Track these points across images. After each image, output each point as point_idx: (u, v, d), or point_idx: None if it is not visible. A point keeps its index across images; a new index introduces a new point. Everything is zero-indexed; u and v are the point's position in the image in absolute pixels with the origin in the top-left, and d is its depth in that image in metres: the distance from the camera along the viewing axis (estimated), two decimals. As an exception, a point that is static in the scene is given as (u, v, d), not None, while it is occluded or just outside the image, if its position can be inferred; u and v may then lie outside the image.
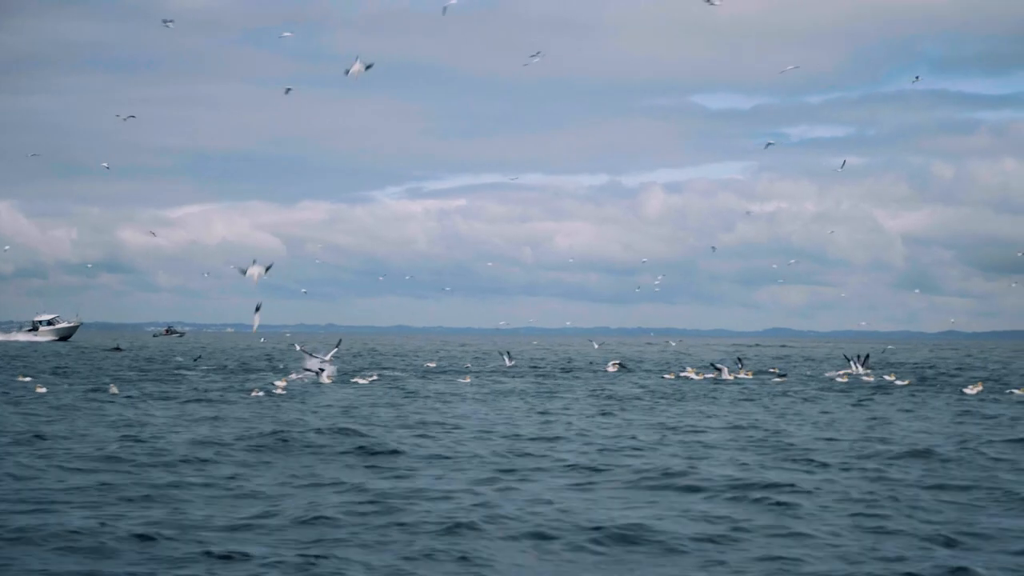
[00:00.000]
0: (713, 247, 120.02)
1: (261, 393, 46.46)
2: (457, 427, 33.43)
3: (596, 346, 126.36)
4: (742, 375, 65.54)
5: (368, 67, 40.96)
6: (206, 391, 48.97)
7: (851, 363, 67.58)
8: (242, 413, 37.49)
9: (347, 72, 41.17)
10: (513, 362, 79.64)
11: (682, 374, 66.86)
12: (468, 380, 59.14)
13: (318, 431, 30.43)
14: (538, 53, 44.72)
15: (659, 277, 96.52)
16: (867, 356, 69.78)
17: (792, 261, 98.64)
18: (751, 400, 46.39)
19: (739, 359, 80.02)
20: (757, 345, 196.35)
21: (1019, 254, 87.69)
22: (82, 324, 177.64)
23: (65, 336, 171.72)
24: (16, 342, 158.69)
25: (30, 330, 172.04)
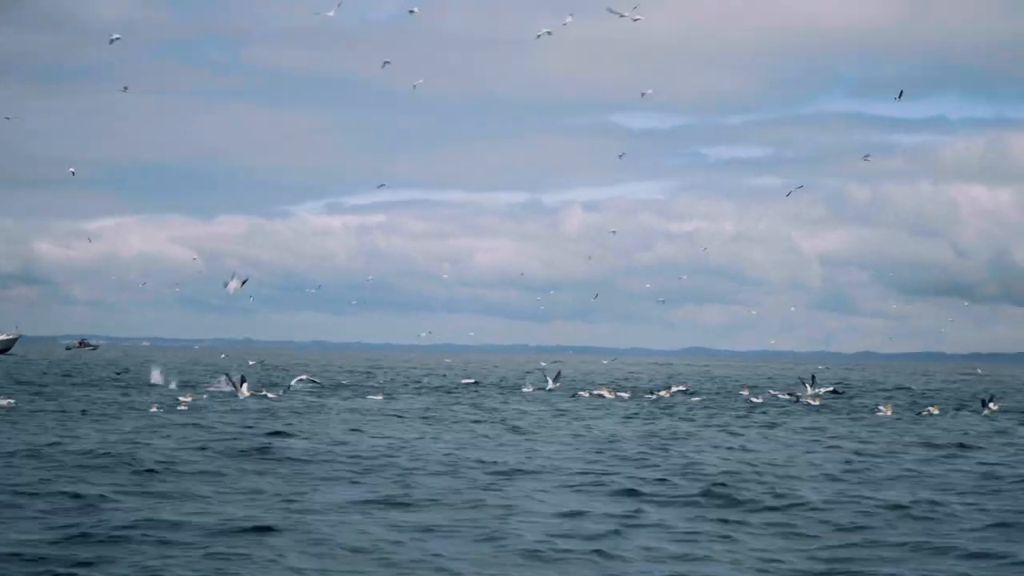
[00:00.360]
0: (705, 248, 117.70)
1: (158, 408, 46.80)
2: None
3: (543, 364, 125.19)
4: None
5: (244, 282, 43.52)
6: (110, 404, 49.20)
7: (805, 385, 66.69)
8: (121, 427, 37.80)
9: (225, 285, 43.68)
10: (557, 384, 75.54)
11: (595, 392, 67.34)
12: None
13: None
14: (385, 63, 45.23)
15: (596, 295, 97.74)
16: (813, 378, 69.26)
17: (683, 277, 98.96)
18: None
19: (812, 377, 71.54)
20: (689, 365, 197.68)
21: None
22: (21, 336, 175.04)
23: (4, 349, 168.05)
24: None
25: None
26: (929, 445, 37.56)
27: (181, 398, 51.71)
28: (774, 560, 18.42)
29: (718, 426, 45.03)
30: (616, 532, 20.37)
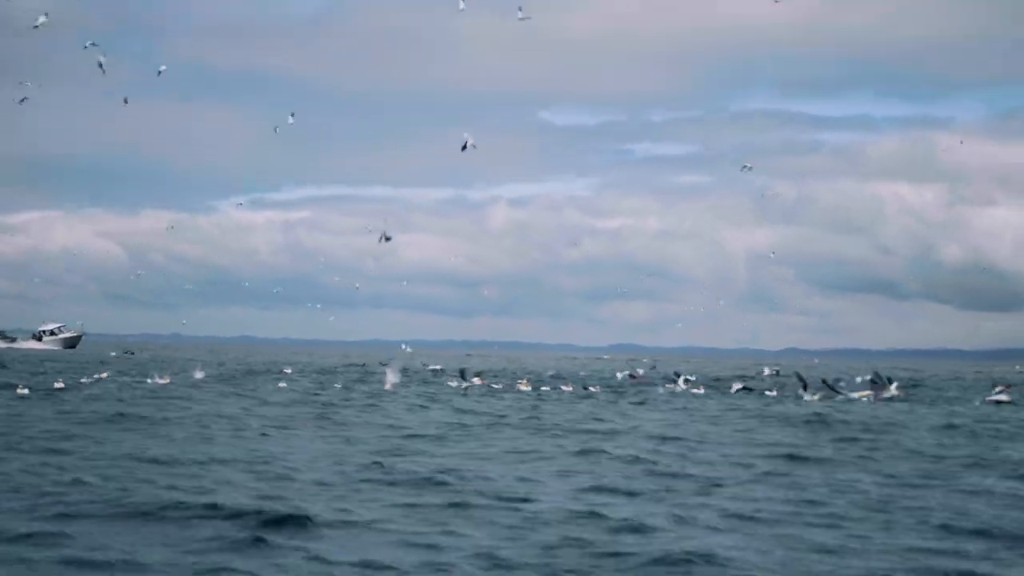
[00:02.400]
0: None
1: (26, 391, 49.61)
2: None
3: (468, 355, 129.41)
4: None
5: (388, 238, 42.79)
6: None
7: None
8: None
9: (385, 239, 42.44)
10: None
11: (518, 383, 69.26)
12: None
13: None
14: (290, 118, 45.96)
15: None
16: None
17: (646, 277, 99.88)
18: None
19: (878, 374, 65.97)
20: (633, 360, 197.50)
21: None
22: (85, 334, 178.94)
23: (71, 345, 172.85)
24: (20, 350, 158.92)
25: (34, 339, 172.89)
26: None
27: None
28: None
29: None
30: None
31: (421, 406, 50.15)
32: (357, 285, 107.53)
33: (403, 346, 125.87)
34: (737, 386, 70.65)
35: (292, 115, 46.08)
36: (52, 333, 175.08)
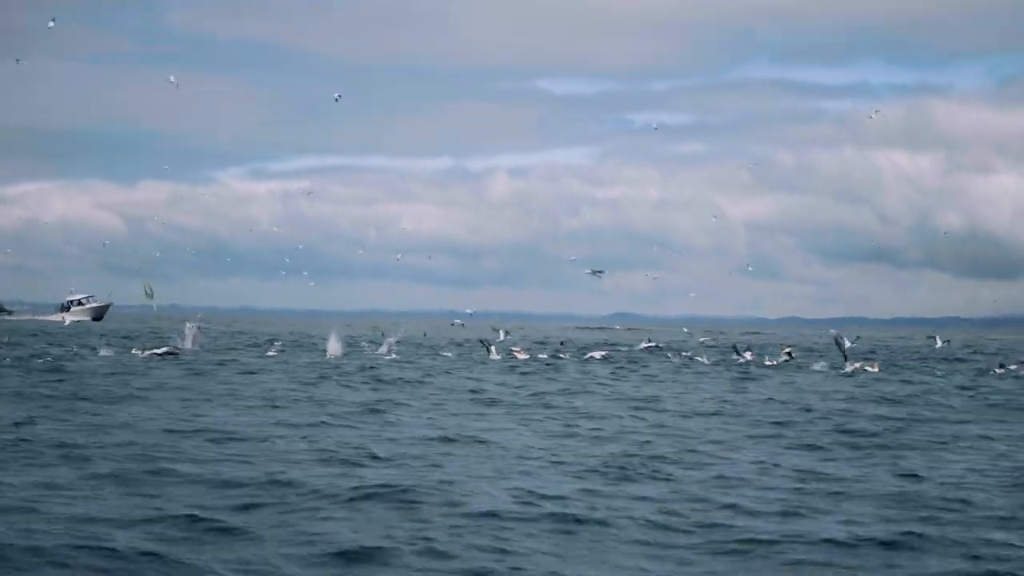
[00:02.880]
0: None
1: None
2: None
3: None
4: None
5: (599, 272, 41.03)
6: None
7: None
8: None
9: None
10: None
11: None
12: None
13: None
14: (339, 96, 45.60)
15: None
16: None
17: (655, 247, 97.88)
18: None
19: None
20: (631, 329, 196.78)
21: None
22: (112, 304, 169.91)
23: (98, 316, 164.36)
24: (47, 321, 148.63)
25: (62, 311, 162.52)
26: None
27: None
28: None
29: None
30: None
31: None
32: (398, 256, 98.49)
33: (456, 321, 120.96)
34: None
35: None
36: (79, 303, 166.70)
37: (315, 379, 44.51)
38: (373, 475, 19.47)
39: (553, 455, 22.82)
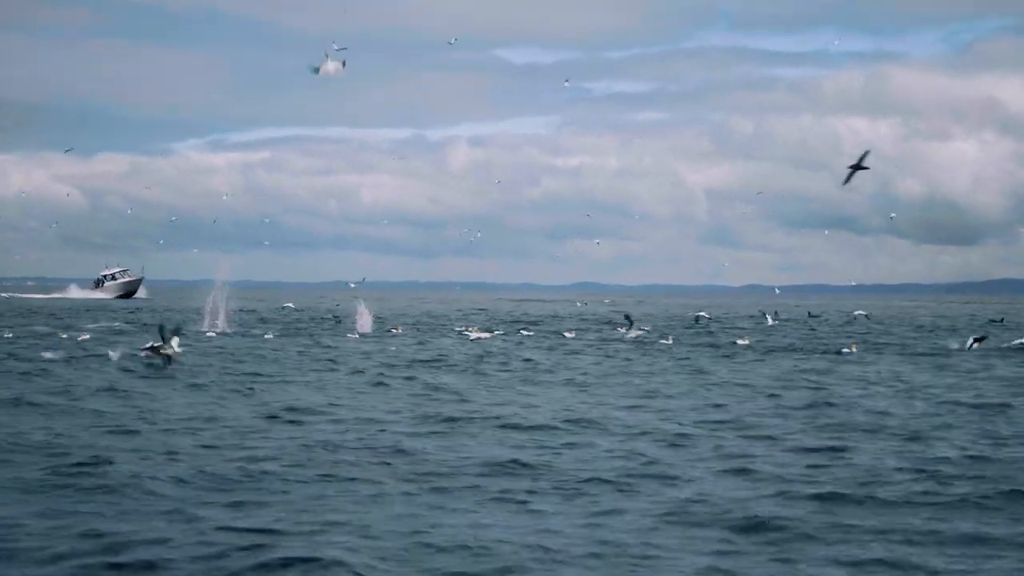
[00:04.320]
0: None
1: None
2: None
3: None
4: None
5: (343, 63, 33.35)
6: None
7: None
8: None
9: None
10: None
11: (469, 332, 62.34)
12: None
13: None
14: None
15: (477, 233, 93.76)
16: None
17: (588, 215, 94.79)
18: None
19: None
20: (608, 301, 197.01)
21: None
22: (143, 279, 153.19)
23: (129, 292, 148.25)
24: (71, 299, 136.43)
25: (96, 286, 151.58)
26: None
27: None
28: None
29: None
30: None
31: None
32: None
33: (350, 284, 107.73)
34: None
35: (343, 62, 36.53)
36: (113, 278, 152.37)
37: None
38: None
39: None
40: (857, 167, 34.94)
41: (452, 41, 74.37)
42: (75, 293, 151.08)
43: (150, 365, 36.74)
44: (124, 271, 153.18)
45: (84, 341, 50.14)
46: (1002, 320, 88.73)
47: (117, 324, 69.22)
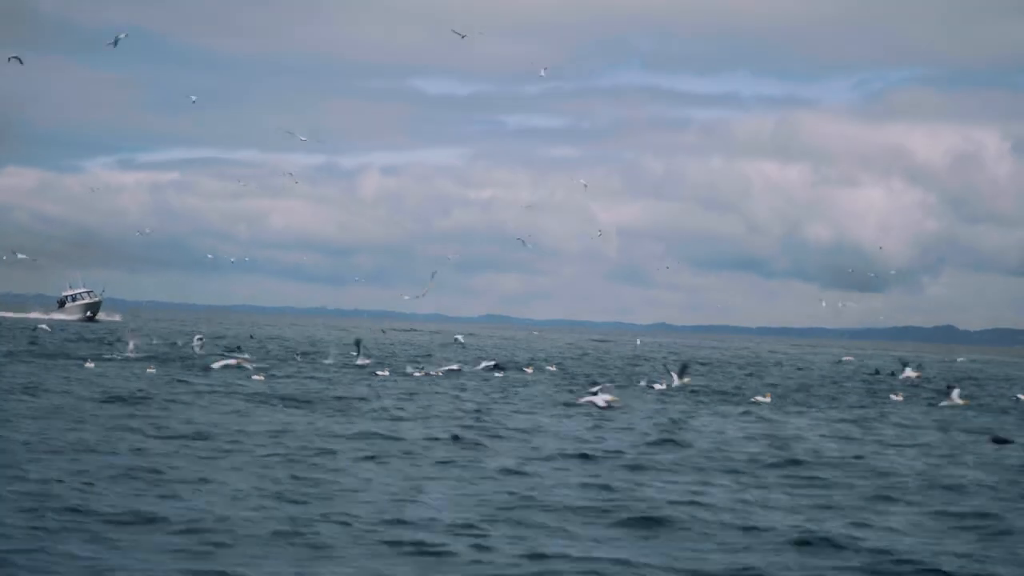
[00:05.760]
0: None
1: None
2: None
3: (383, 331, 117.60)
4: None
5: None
6: None
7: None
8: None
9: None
10: None
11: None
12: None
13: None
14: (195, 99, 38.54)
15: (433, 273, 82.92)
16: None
17: (524, 242, 79.75)
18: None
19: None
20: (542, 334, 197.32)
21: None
22: (102, 301, 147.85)
23: (91, 313, 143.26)
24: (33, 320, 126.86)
25: (60, 306, 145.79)
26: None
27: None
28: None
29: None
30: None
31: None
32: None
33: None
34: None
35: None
36: (74, 299, 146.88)
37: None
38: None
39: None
40: None
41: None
42: (37, 313, 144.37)
43: None
44: (88, 291, 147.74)
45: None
46: (891, 372, 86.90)
47: None
